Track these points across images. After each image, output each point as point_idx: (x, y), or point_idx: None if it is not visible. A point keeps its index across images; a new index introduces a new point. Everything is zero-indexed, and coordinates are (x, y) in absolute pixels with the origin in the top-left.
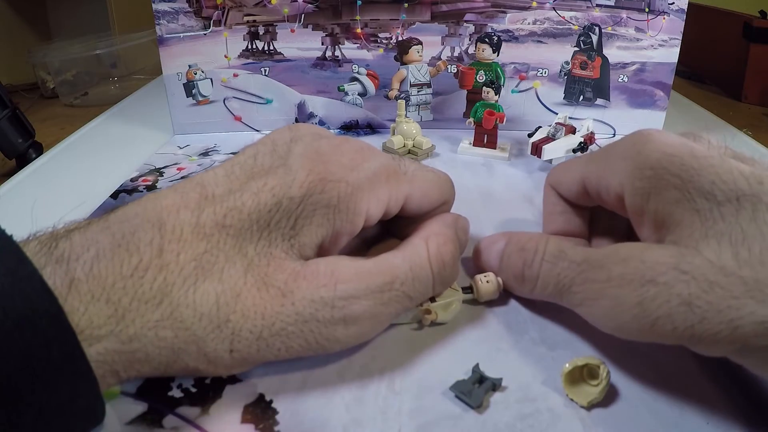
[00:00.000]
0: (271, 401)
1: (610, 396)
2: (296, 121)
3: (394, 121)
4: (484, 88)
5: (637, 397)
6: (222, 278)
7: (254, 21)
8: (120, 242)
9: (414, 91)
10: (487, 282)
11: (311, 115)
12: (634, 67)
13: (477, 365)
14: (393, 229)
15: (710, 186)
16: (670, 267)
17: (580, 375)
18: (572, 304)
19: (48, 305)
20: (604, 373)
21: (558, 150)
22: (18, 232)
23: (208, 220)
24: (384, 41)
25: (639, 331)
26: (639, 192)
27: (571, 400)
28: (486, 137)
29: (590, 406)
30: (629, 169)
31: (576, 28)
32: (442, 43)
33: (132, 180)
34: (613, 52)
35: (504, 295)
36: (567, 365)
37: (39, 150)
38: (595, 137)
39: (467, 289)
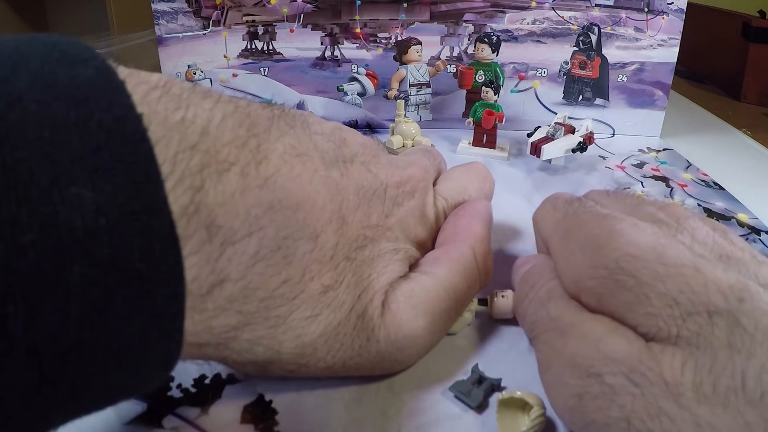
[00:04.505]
0: (270, 401)
1: None
2: None
3: (393, 121)
4: (484, 87)
5: None
6: (337, 308)
7: (253, 21)
8: (282, 244)
9: (413, 91)
10: (503, 297)
11: None
12: (633, 67)
13: (476, 365)
14: None
15: (677, 294)
16: (623, 371)
17: (523, 407)
18: (536, 358)
19: (168, 306)
20: (535, 415)
21: (557, 150)
22: None
23: (341, 253)
24: (383, 41)
25: (573, 427)
26: (590, 293)
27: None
28: (485, 137)
29: None
30: (584, 267)
31: (575, 27)
32: (442, 43)
33: None
34: (612, 52)
35: None
36: (504, 394)
37: None
38: (595, 137)
39: (483, 302)
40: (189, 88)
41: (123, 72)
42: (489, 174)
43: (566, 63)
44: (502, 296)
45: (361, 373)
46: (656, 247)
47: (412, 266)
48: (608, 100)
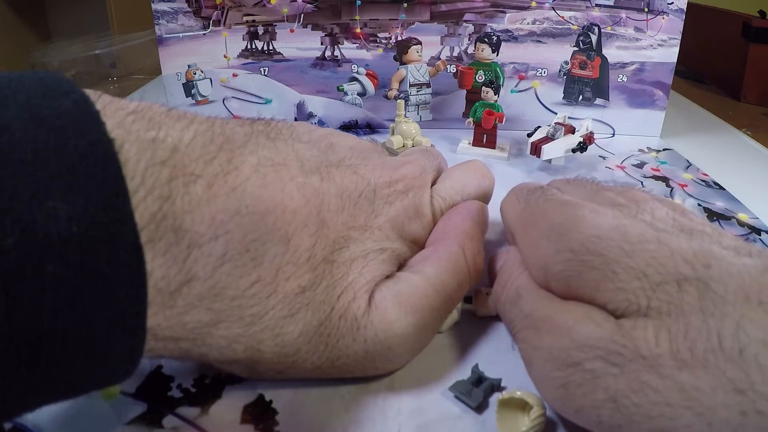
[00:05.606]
0: (270, 401)
1: None
2: (295, 120)
3: (393, 121)
4: (484, 87)
5: None
6: (316, 308)
7: (253, 21)
8: (249, 246)
9: (413, 91)
10: (487, 295)
11: (311, 115)
12: (633, 67)
13: (476, 365)
14: None
15: (644, 267)
16: (599, 355)
17: (523, 407)
18: (520, 356)
19: (132, 303)
20: (535, 415)
21: (557, 150)
22: None
23: (319, 254)
24: (383, 41)
25: (565, 414)
26: (558, 278)
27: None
28: (485, 137)
29: None
30: (549, 253)
31: (575, 27)
32: (442, 43)
33: None
34: (612, 52)
35: None
36: (504, 394)
37: None
38: (594, 137)
39: (467, 300)
40: (163, 112)
41: (104, 100)
42: (488, 171)
43: (566, 63)
44: (487, 294)
45: (352, 374)
46: (619, 227)
47: (403, 265)
48: (608, 100)
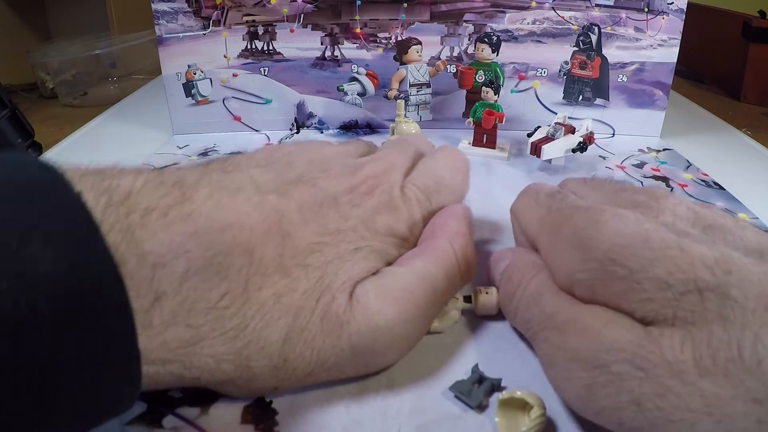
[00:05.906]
0: (270, 401)
1: None
2: (295, 120)
3: (393, 121)
4: (484, 87)
5: None
6: (295, 314)
7: (253, 21)
8: (212, 261)
9: (413, 91)
10: (487, 294)
11: (310, 115)
12: (633, 67)
13: (476, 365)
14: None
15: (667, 276)
16: (626, 358)
17: (523, 407)
18: (537, 355)
19: (120, 323)
20: (535, 415)
21: (557, 150)
22: None
23: (288, 262)
24: (383, 41)
25: (585, 414)
26: (583, 285)
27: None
28: (485, 137)
29: None
30: (575, 261)
31: (575, 27)
32: (442, 43)
33: None
34: (612, 52)
35: None
36: (504, 394)
37: (38, 150)
38: (595, 137)
39: (467, 299)
40: (117, 170)
41: (63, 166)
42: (459, 152)
43: (566, 63)
44: (486, 293)
45: (346, 374)
46: (641, 233)
47: (391, 263)
48: (608, 100)
